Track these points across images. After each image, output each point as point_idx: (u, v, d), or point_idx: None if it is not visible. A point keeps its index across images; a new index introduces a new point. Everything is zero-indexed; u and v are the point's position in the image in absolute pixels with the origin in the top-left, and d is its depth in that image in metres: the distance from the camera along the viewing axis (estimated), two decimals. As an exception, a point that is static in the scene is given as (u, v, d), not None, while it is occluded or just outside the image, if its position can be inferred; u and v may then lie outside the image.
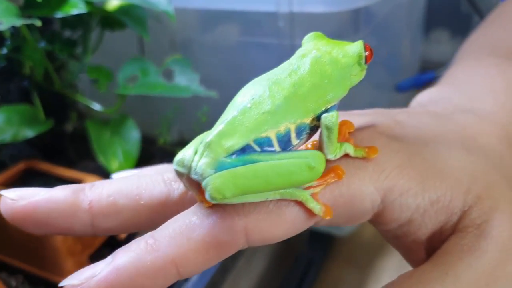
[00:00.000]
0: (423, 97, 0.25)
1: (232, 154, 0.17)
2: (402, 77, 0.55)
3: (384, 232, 0.19)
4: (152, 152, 0.43)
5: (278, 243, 0.18)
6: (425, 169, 0.18)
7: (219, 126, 0.17)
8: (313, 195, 0.17)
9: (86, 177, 0.35)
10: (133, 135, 0.39)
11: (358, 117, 0.21)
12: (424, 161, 0.19)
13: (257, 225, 0.17)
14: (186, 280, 0.32)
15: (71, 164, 0.39)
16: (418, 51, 0.59)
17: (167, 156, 0.43)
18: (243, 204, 0.17)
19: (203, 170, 0.17)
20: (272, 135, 0.17)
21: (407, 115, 0.22)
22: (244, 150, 0.17)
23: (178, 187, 0.19)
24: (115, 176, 0.27)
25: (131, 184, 0.19)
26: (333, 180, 0.18)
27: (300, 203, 0.17)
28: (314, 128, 0.18)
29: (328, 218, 0.17)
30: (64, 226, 0.18)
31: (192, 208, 0.17)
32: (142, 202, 0.19)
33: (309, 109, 0.18)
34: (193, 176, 0.17)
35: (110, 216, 0.18)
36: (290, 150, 0.18)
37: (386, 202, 0.18)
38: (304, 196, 0.17)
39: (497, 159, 0.20)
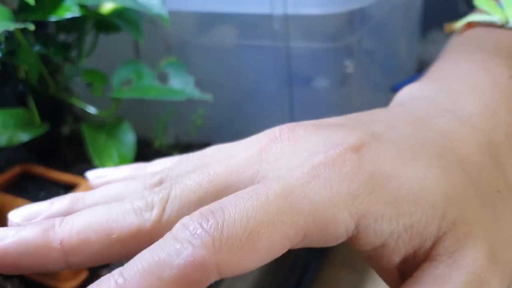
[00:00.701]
0: (405, 93, 0.24)
1: None
2: (399, 78, 0.55)
3: (358, 251, 0.19)
4: (148, 155, 0.43)
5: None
6: (400, 193, 0.18)
7: None
8: None
9: (81, 181, 0.35)
10: (129, 138, 0.39)
11: (329, 131, 0.20)
12: (400, 184, 0.18)
13: (229, 260, 0.16)
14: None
15: (67, 167, 0.39)
16: (415, 51, 0.59)
17: (163, 159, 0.43)
18: (212, 238, 0.16)
19: None
20: None
21: (385, 124, 0.21)
22: None
23: (149, 217, 0.18)
24: (90, 175, 0.26)
25: (100, 217, 0.18)
26: None
27: (273, 232, 0.16)
28: None
29: None
30: (37, 266, 0.18)
31: (159, 242, 0.16)
32: (114, 236, 0.18)
33: None
34: None
35: (83, 252, 0.18)
36: None
37: (360, 227, 0.17)
38: None
39: (475, 173, 0.19)
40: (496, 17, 0.29)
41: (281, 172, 0.19)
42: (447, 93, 0.23)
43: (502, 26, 0.29)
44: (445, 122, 0.21)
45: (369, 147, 0.19)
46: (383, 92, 0.52)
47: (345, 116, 0.22)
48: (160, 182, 0.21)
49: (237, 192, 0.17)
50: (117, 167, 0.26)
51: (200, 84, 0.38)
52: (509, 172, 0.21)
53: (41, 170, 0.36)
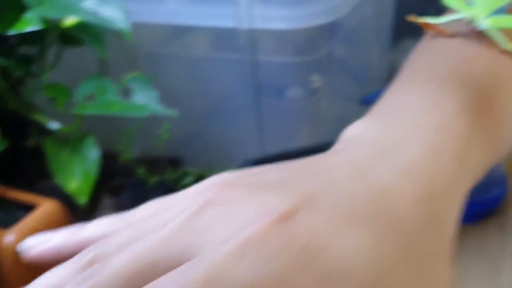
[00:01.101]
0: (352, 134, 0.24)
1: None
2: (370, 87, 0.55)
3: None
4: (113, 170, 0.42)
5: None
6: (332, 268, 0.17)
7: None
8: None
9: (41, 201, 0.34)
10: (93, 153, 0.38)
11: (264, 194, 0.19)
12: (332, 257, 0.17)
13: None
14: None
15: (29, 185, 0.38)
16: (386, 61, 0.59)
17: (128, 173, 0.43)
18: None
19: None
20: None
21: (324, 181, 0.20)
22: None
23: None
24: (21, 247, 0.26)
25: None
26: None
27: None
28: None
29: None
30: None
31: None
32: None
33: None
34: None
35: None
36: None
37: None
38: None
39: (410, 237, 0.19)
40: (464, 14, 0.29)
41: (211, 246, 0.18)
42: (392, 137, 0.22)
43: (470, 23, 0.29)
44: (385, 176, 0.20)
45: (303, 213, 0.18)
46: (353, 102, 0.52)
47: (286, 168, 0.22)
48: (92, 262, 0.21)
49: (163, 279, 0.17)
50: (53, 232, 0.25)
51: (168, 96, 0.38)
52: (448, 224, 0.21)
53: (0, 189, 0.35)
